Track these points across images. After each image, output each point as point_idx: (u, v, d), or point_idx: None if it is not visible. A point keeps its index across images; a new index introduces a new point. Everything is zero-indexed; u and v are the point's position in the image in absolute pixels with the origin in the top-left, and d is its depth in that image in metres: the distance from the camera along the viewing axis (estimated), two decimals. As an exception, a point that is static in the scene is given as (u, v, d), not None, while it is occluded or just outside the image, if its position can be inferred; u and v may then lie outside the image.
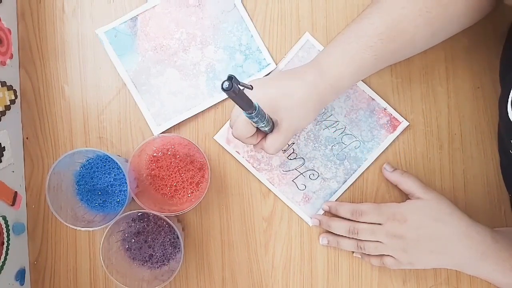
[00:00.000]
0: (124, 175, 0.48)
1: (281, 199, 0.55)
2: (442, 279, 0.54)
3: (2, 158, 0.50)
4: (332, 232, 0.52)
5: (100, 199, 0.52)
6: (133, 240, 0.52)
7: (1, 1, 0.52)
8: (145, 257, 0.52)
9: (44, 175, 0.55)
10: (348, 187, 0.54)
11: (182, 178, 0.52)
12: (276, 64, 0.55)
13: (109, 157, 0.49)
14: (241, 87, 0.34)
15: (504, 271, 0.45)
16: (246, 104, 0.37)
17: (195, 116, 0.55)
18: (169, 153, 0.52)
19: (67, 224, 0.46)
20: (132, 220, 0.52)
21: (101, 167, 0.52)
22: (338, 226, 0.51)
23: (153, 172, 0.52)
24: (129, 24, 0.55)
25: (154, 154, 0.52)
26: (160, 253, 0.52)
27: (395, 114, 0.54)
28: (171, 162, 0.52)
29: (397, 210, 0.48)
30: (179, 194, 0.52)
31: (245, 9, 0.55)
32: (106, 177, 0.52)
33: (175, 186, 0.52)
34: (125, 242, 0.52)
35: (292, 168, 0.55)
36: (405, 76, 0.55)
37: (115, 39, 0.55)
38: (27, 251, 0.55)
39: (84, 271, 0.55)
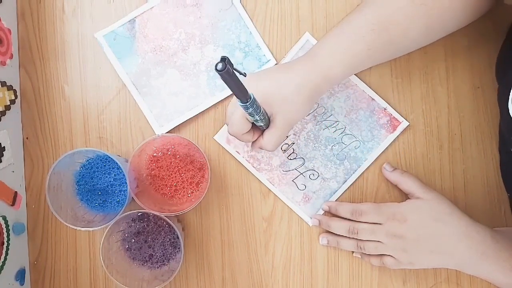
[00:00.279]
0: (124, 175, 0.48)
1: (281, 199, 0.55)
2: (442, 279, 0.54)
3: (2, 158, 0.50)
4: (332, 232, 0.52)
5: (100, 199, 0.52)
6: (133, 240, 0.52)
7: (1, 1, 0.53)
8: (145, 257, 0.52)
9: (44, 175, 0.55)
10: (348, 187, 0.54)
11: (182, 178, 0.52)
12: (276, 61, 0.55)
13: (109, 157, 0.49)
14: (235, 71, 0.33)
15: (504, 271, 0.45)
16: (241, 91, 0.36)
17: (195, 116, 0.55)
18: (169, 153, 0.52)
19: (67, 224, 0.46)
20: (132, 220, 0.52)
21: (101, 167, 0.52)
22: (338, 226, 0.51)
23: (153, 172, 0.52)
24: (127, 26, 0.55)
25: (154, 154, 0.52)
26: (160, 253, 0.52)
27: (395, 114, 0.54)
28: (171, 162, 0.52)
29: (397, 210, 0.48)
30: (179, 194, 0.52)
31: (244, 7, 0.55)
32: (106, 177, 0.52)
33: (175, 186, 0.52)
34: (125, 242, 0.52)
35: (292, 168, 0.55)
36: (405, 76, 0.55)
37: (114, 42, 0.55)
38: (27, 251, 0.55)
39: (84, 271, 0.55)
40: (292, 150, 0.55)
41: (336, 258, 0.54)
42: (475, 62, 0.54)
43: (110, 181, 0.52)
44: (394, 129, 0.54)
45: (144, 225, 0.52)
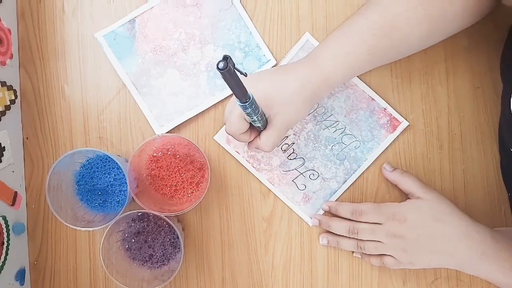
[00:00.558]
0: (124, 175, 0.48)
1: (281, 199, 0.55)
2: (442, 279, 0.54)
3: (2, 158, 0.50)
4: (332, 232, 0.52)
5: (100, 199, 0.52)
6: (133, 240, 0.52)
7: (1, 1, 0.52)
8: (145, 257, 0.52)
9: (44, 175, 0.55)
10: (348, 187, 0.54)
11: (182, 178, 0.52)
12: (276, 61, 0.55)
13: (109, 157, 0.49)
14: (236, 70, 0.33)
15: (504, 271, 0.45)
16: (241, 91, 0.36)
17: (195, 116, 0.55)
18: (169, 153, 0.52)
19: (67, 224, 0.46)
20: (132, 220, 0.52)
21: (101, 167, 0.52)
22: (338, 226, 0.51)
23: (153, 172, 0.52)
24: (127, 26, 0.55)
25: (154, 154, 0.52)
26: (160, 253, 0.52)
27: (395, 114, 0.54)
28: (171, 162, 0.52)
29: (397, 210, 0.48)
30: (179, 194, 0.52)
31: (244, 7, 0.55)
32: (106, 177, 0.52)
33: (175, 186, 0.52)
34: (125, 242, 0.52)
35: (292, 168, 0.55)
36: (405, 76, 0.55)
37: (114, 42, 0.55)
38: (27, 251, 0.55)
39: (84, 271, 0.55)
40: (292, 150, 0.55)
41: (336, 258, 0.54)
42: (475, 62, 0.54)
43: (110, 181, 0.52)
44: (394, 129, 0.54)
45: (144, 225, 0.52)
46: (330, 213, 0.54)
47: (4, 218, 0.50)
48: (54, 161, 0.52)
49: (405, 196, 0.53)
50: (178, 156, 0.52)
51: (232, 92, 0.36)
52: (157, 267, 0.52)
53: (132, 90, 0.55)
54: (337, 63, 0.45)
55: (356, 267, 0.54)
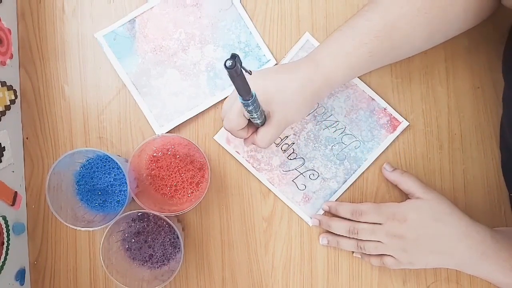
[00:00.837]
0: (124, 175, 0.48)
1: (281, 199, 0.55)
2: (442, 279, 0.54)
3: (2, 158, 0.50)
4: (332, 232, 0.52)
5: (100, 199, 0.52)
6: (133, 240, 0.52)
7: (1, 1, 0.52)
8: (145, 257, 0.52)
9: (44, 175, 0.55)
10: (348, 187, 0.54)
11: (182, 178, 0.52)
12: (276, 61, 0.55)
13: (109, 157, 0.49)
14: (243, 69, 0.33)
15: (504, 271, 0.45)
16: (245, 89, 0.36)
17: (195, 116, 0.55)
18: (169, 153, 0.52)
19: (67, 224, 0.46)
20: (132, 220, 0.52)
21: (101, 167, 0.52)
22: (338, 226, 0.51)
23: (153, 172, 0.52)
24: (127, 26, 0.55)
25: (154, 154, 0.52)
26: (160, 253, 0.52)
27: (395, 114, 0.54)
28: (171, 162, 0.52)
29: (397, 210, 0.48)
30: (179, 194, 0.52)
31: (244, 7, 0.55)
32: (106, 177, 0.52)
33: (175, 186, 0.52)
34: (125, 242, 0.52)
35: (292, 168, 0.55)
36: (405, 76, 0.55)
37: (114, 42, 0.55)
38: (27, 251, 0.55)
39: (84, 271, 0.55)
40: (292, 150, 0.55)
41: (336, 258, 0.54)
42: (475, 62, 0.54)
43: (110, 181, 0.52)
44: (394, 129, 0.54)
45: (144, 225, 0.52)
46: (330, 213, 0.54)
47: (4, 218, 0.50)
48: (54, 161, 0.52)
49: (405, 196, 0.53)
50: (178, 156, 0.52)
51: (234, 89, 0.36)
52: (157, 267, 0.52)
53: (132, 90, 0.55)
54: (337, 64, 0.45)
55: (356, 267, 0.54)
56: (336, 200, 0.54)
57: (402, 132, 0.54)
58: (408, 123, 0.54)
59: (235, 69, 0.31)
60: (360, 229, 0.49)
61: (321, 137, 0.55)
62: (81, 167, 0.52)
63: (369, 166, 0.54)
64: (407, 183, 0.51)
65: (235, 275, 0.55)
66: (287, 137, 0.55)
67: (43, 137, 0.56)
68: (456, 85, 0.54)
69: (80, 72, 0.56)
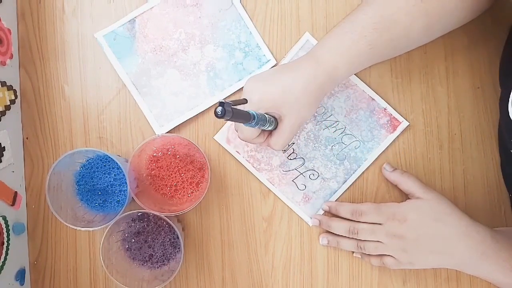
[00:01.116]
0: (124, 175, 0.48)
1: (281, 199, 0.55)
2: (442, 279, 0.54)
3: (2, 158, 0.50)
4: (332, 232, 0.52)
5: (100, 199, 0.52)
6: (133, 240, 0.52)
7: (1, 1, 0.52)
8: (145, 257, 0.52)
9: (44, 175, 0.55)
10: (348, 187, 0.54)
11: (182, 178, 0.52)
12: (276, 61, 0.55)
13: (109, 157, 0.49)
14: (235, 106, 0.34)
15: (504, 271, 0.45)
16: (244, 119, 0.38)
17: (195, 116, 0.55)
18: (169, 153, 0.52)
19: (67, 224, 0.46)
20: (132, 220, 0.52)
21: (101, 167, 0.52)
22: (338, 226, 0.51)
23: (153, 172, 0.52)
24: (127, 26, 0.55)
25: (154, 154, 0.52)
26: (160, 253, 0.52)
27: (395, 114, 0.54)
28: (171, 162, 0.52)
29: (397, 210, 0.48)
30: (179, 194, 0.52)
31: (244, 7, 0.55)
32: (106, 177, 0.52)
33: (175, 186, 0.52)
34: (125, 242, 0.52)
35: (292, 168, 0.55)
36: (405, 76, 0.55)
37: (114, 42, 0.55)
38: (27, 251, 0.55)
39: (84, 271, 0.55)
40: (292, 150, 0.55)
41: (336, 258, 0.54)
42: (475, 62, 0.54)
43: (110, 181, 0.52)
44: (394, 129, 0.54)
45: (144, 225, 0.52)
46: (330, 213, 0.54)
47: (4, 218, 0.50)
48: (54, 161, 0.52)
49: (405, 196, 0.53)
50: (178, 156, 0.52)
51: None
52: (157, 267, 0.52)
53: (132, 90, 0.55)
54: (338, 58, 0.46)
55: (356, 267, 0.54)
56: (336, 200, 0.54)
57: (402, 132, 0.54)
58: (408, 123, 0.54)
59: (226, 115, 0.33)
60: (360, 229, 0.49)
61: (321, 137, 0.55)
62: (81, 167, 0.52)
63: (369, 166, 0.54)
64: (407, 183, 0.51)
65: (235, 275, 0.55)
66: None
67: (43, 137, 0.55)
68: (456, 85, 0.54)
69: (80, 72, 0.56)
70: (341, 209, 0.52)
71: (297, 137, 0.55)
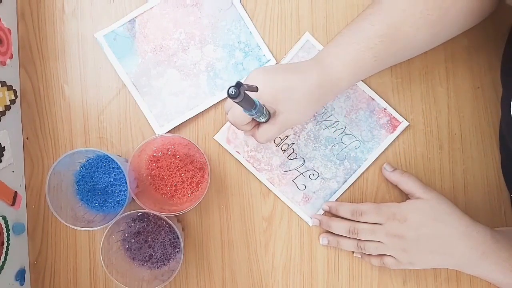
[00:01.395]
0: (124, 175, 0.48)
1: (281, 199, 0.55)
2: (442, 279, 0.54)
3: (2, 158, 0.50)
4: (332, 232, 0.52)
5: (100, 199, 0.52)
6: (133, 240, 0.52)
7: (1, 1, 0.52)
8: (145, 257, 0.52)
9: (44, 175, 0.55)
10: (348, 187, 0.54)
11: (182, 178, 0.52)
12: (276, 61, 0.55)
13: (109, 157, 0.49)
14: (247, 91, 0.34)
15: (504, 271, 0.45)
16: (249, 105, 0.37)
17: (195, 116, 0.55)
18: (169, 153, 0.52)
19: (67, 224, 0.46)
20: (132, 220, 0.52)
21: (101, 167, 0.52)
22: (338, 226, 0.51)
23: (153, 172, 0.52)
24: (127, 26, 0.55)
25: (154, 154, 0.52)
26: (160, 253, 0.52)
27: (395, 114, 0.54)
28: (171, 162, 0.52)
29: (397, 210, 0.48)
30: (179, 194, 0.52)
31: (244, 7, 0.55)
32: (106, 177, 0.52)
33: (175, 186, 0.52)
34: (125, 242, 0.52)
35: (292, 168, 0.55)
36: (405, 76, 0.55)
37: (114, 42, 0.55)
38: (27, 251, 0.55)
39: (84, 271, 0.55)
40: (292, 150, 0.55)
41: (336, 258, 0.54)
42: (475, 62, 0.54)
43: (110, 181, 0.52)
44: (394, 129, 0.54)
45: (144, 225, 0.52)
46: (330, 213, 0.54)
47: (4, 218, 0.50)
48: (54, 161, 0.52)
49: (405, 196, 0.53)
50: (178, 156, 0.52)
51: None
52: (157, 267, 0.52)
53: (132, 90, 0.55)
54: (343, 70, 0.46)
55: (356, 267, 0.54)
56: (336, 200, 0.54)
57: (402, 132, 0.54)
58: (408, 123, 0.54)
59: (238, 96, 0.32)
60: (360, 229, 0.49)
61: (321, 137, 0.55)
62: (81, 167, 0.52)
63: (369, 166, 0.54)
64: (407, 183, 0.51)
65: (235, 275, 0.55)
66: (287, 137, 0.55)
67: (43, 137, 0.56)
68: (456, 85, 0.54)
69: (80, 72, 0.56)
70: (341, 209, 0.52)
71: (297, 137, 0.55)
